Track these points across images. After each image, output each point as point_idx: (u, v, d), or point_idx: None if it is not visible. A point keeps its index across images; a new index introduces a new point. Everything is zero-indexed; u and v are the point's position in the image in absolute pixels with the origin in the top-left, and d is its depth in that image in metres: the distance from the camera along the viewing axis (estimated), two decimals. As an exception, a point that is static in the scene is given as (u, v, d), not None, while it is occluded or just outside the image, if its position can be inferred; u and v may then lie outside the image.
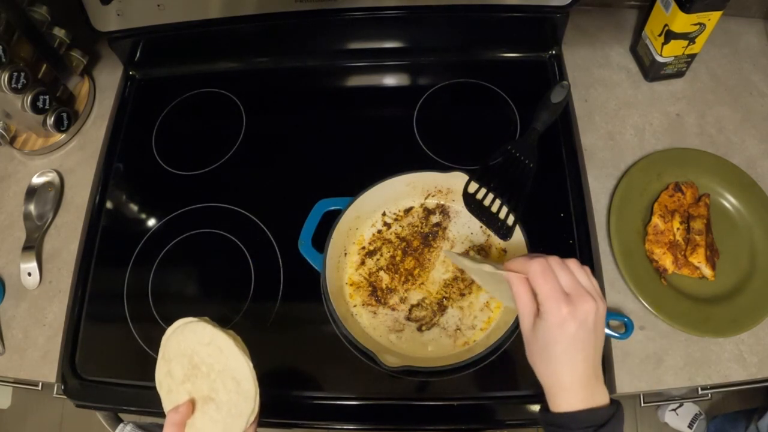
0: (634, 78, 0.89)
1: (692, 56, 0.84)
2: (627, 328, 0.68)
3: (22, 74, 0.77)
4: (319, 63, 0.94)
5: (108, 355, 0.75)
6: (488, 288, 0.67)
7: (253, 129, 0.89)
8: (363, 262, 0.75)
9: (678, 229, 0.74)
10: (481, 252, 0.75)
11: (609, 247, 0.75)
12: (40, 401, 1.59)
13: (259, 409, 0.53)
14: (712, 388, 0.70)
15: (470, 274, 0.69)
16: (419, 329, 0.71)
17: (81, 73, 0.93)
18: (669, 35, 0.79)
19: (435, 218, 0.77)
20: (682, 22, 0.77)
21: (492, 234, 0.73)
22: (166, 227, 0.82)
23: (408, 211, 0.78)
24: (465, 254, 0.70)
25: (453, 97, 0.89)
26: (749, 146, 0.82)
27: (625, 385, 0.68)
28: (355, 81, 0.96)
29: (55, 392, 0.76)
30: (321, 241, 0.72)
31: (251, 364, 0.52)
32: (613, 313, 0.70)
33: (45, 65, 0.86)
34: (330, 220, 0.73)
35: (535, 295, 0.50)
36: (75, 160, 0.89)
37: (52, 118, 0.85)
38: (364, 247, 0.76)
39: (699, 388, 0.71)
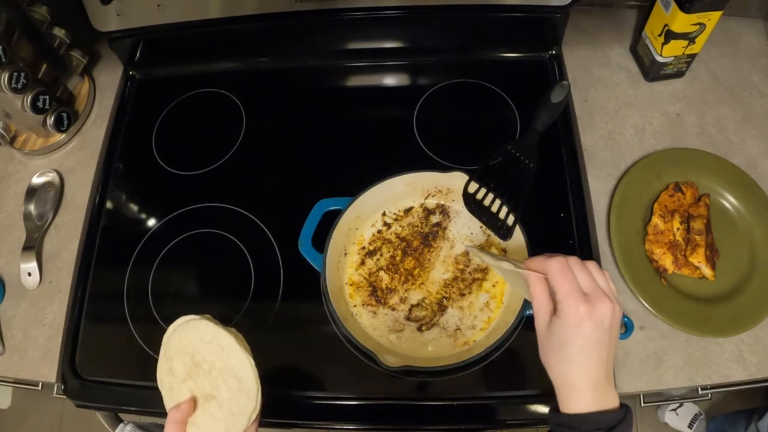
0: (634, 78, 0.89)
1: (692, 56, 0.84)
2: (627, 328, 0.68)
3: (22, 74, 0.77)
4: (319, 63, 0.94)
5: (108, 355, 0.75)
6: (508, 280, 0.68)
7: (253, 129, 0.89)
8: (363, 262, 0.75)
9: (678, 229, 0.74)
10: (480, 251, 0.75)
11: (609, 247, 0.75)
12: (40, 401, 1.60)
13: (260, 407, 0.53)
14: (712, 388, 0.70)
15: (496, 270, 0.70)
16: (419, 329, 0.71)
17: (81, 73, 0.93)
18: (669, 35, 0.79)
19: (435, 218, 0.77)
20: (682, 22, 0.77)
21: (492, 234, 0.73)
22: (166, 227, 0.82)
23: (408, 211, 0.78)
24: (485, 249, 0.72)
25: (453, 97, 0.89)
26: (749, 146, 0.82)
27: (625, 385, 0.68)
28: (355, 81, 0.96)
29: (55, 392, 0.76)
30: (321, 241, 0.72)
31: (253, 362, 0.52)
32: (613, 313, 0.70)
33: (45, 65, 0.86)
34: (330, 220, 0.73)
35: (552, 295, 0.51)
36: (75, 160, 0.89)
37: (52, 118, 0.85)
38: (364, 247, 0.76)
39: (699, 388, 0.71)
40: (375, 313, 0.72)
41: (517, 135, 0.84)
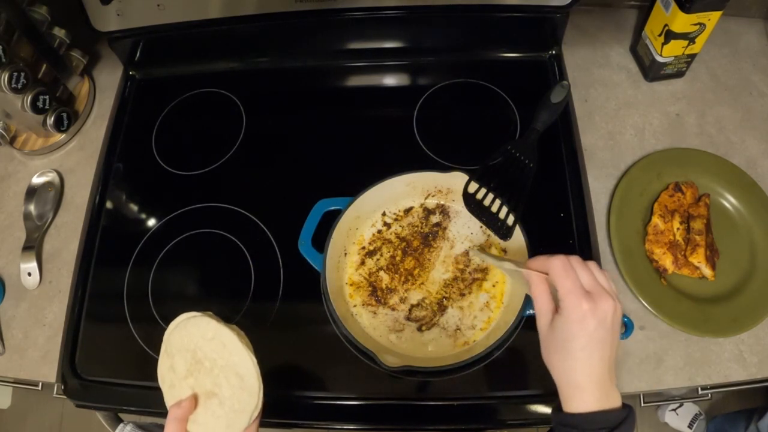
0: (634, 78, 0.89)
1: (692, 56, 0.84)
2: (627, 328, 0.68)
3: (22, 74, 0.77)
4: (319, 63, 0.94)
5: (108, 355, 0.75)
6: (511, 278, 0.69)
7: (253, 129, 0.89)
8: (363, 262, 0.75)
9: (678, 229, 0.74)
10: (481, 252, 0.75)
11: (609, 247, 0.75)
12: (40, 401, 1.59)
13: (262, 404, 0.53)
14: (712, 388, 0.70)
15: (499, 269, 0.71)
16: (419, 329, 0.71)
17: (81, 73, 0.93)
18: (669, 35, 0.79)
19: (435, 218, 0.77)
20: (682, 22, 0.77)
21: (492, 234, 0.73)
22: (166, 227, 0.82)
23: (408, 211, 0.78)
24: (485, 251, 0.73)
25: (453, 97, 0.89)
26: (749, 146, 0.82)
27: (625, 385, 0.68)
28: (355, 81, 0.96)
29: (55, 392, 0.76)
30: (321, 241, 0.72)
31: (255, 360, 0.52)
32: (613, 313, 0.70)
33: (45, 65, 0.85)
34: (330, 220, 0.73)
35: (553, 295, 0.51)
36: (75, 160, 0.89)
37: (52, 118, 0.85)
38: (364, 247, 0.76)
39: (699, 388, 0.71)
40: (375, 313, 0.72)
41: (517, 135, 0.84)
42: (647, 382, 0.68)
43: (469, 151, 0.79)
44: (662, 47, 0.81)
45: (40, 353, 0.76)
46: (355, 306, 0.72)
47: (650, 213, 0.76)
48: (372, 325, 0.71)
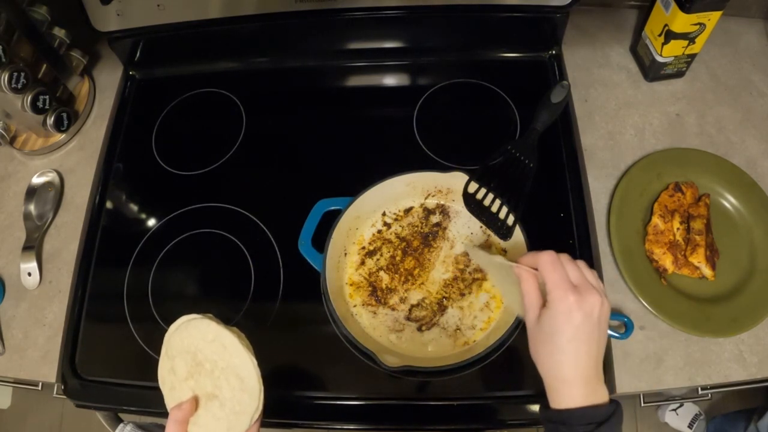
0: (634, 78, 0.89)
1: (692, 56, 0.84)
2: (627, 328, 0.68)
3: (22, 74, 0.77)
4: (319, 63, 0.94)
5: (108, 355, 0.75)
6: (499, 285, 0.68)
7: (253, 129, 0.89)
8: (363, 262, 0.75)
9: (678, 229, 0.74)
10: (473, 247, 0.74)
11: (609, 247, 0.75)
12: (40, 401, 1.59)
13: (263, 407, 0.53)
14: (712, 388, 0.70)
15: (483, 267, 0.71)
16: (419, 329, 0.71)
17: (81, 73, 0.93)
18: (669, 35, 0.79)
19: (435, 218, 0.77)
20: (682, 22, 0.77)
21: (492, 234, 0.73)
22: (166, 227, 0.82)
23: (408, 211, 0.78)
24: (462, 264, 0.73)
25: (453, 97, 0.89)
26: (749, 146, 0.82)
27: (625, 385, 0.68)
28: (355, 81, 0.96)
29: (55, 392, 0.76)
30: (321, 241, 0.72)
31: (255, 362, 0.52)
32: (613, 313, 0.70)
33: (45, 65, 0.85)
34: (330, 220, 0.73)
35: (542, 290, 0.51)
36: (75, 160, 0.89)
37: (52, 118, 0.85)
38: (364, 247, 0.76)
39: (699, 388, 0.71)
40: (375, 313, 0.72)
41: (517, 135, 0.84)
42: (647, 382, 0.68)
43: (469, 151, 0.80)
44: (662, 47, 0.82)
45: (40, 353, 0.76)
46: (355, 306, 0.72)
47: (650, 213, 0.76)
48: (372, 325, 0.71)
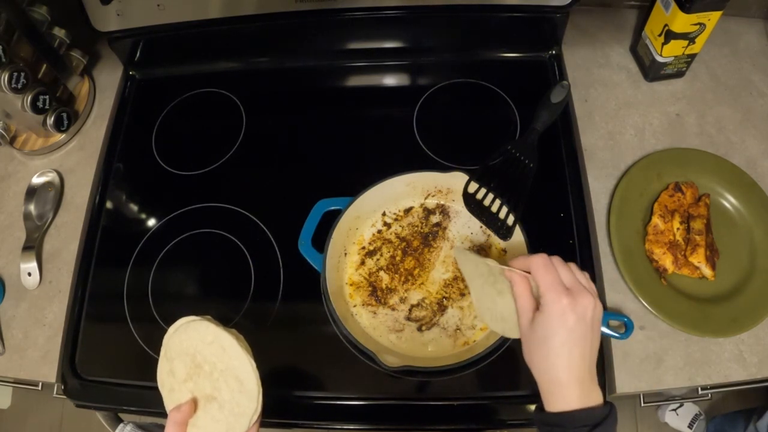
0: (634, 78, 0.89)
1: (692, 56, 0.84)
2: (627, 328, 0.68)
3: (22, 74, 0.77)
4: (319, 63, 0.94)
5: (108, 355, 0.75)
6: (480, 303, 0.59)
7: (253, 129, 0.89)
8: (363, 262, 0.75)
9: (678, 229, 0.74)
10: (481, 252, 0.75)
11: (609, 247, 0.75)
12: (40, 401, 1.59)
13: (261, 408, 0.53)
14: (712, 388, 0.70)
15: (468, 278, 0.63)
16: (419, 329, 0.71)
17: (81, 73, 0.93)
18: (669, 35, 0.79)
19: (435, 218, 0.77)
20: (682, 22, 0.77)
21: (492, 234, 0.73)
22: (166, 227, 0.82)
23: (408, 211, 0.78)
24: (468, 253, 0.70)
25: (453, 97, 0.89)
26: (749, 146, 0.82)
27: (625, 385, 0.68)
28: (355, 81, 0.96)
29: (55, 392, 0.76)
30: (321, 241, 0.72)
31: (254, 364, 0.52)
32: (613, 313, 0.70)
33: (45, 65, 0.85)
34: (330, 220, 0.73)
35: (534, 296, 0.51)
36: (75, 160, 0.89)
37: (52, 118, 0.85)
38: (364, 247, 0.76)
39: (699, 388, 0.71)
40: (375, 313, 0.72)
41: (517, 135, 0.84)
42: (647, 382, 0.68)
43: (469, 151, 0.79)
44: (662, 47, 0.81)
45: (40, 353, 0.76)
46: (355, 306, 0.72)
47: (650, 213, 0.76)
48: (372, 325, 0.71)
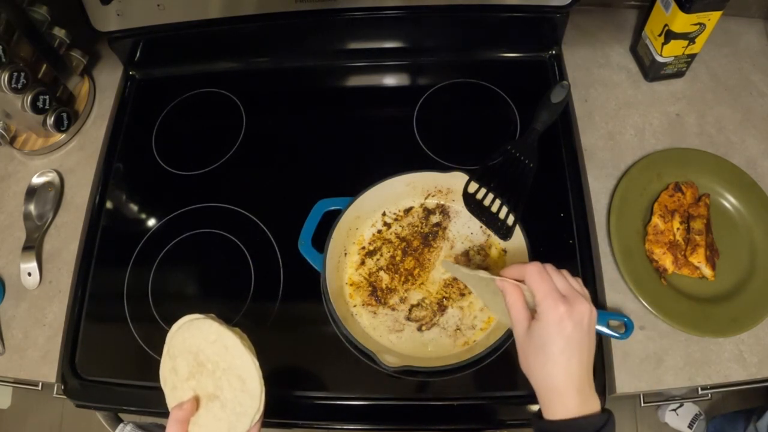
0: (634, 78, 0.89)
1: (692, 56, 0.84)
2: (627, 328, 0.68)
3: (22, 74, 0.77)
4: (319, 63, 0.94)
5: (108, 355, 0.75)
6: (483, 298, 0.68)
7: (253, 129, 0.89)
8: (363, 262, 0.75)
9: (678, 229, 0.74)
10: (481, 252, 0.75)
11: (609, 247, 0.75)
12: (40, 401, 1.59)
13: (264, 408, 0.53)
14: (712, 388, 0.70)
15: (463, 281, 0.70)
16: (419, 329, 0.71)
17: (81, 73, 0.93)
18: (669, 35, 0.79)
19: (435, 218, 0.77)
20: (682, 22, 0.77)
21: (492, 234, 0.73)
22: (166, 227, 0.82)
23: (408, 211, 0.78)
24: (462, 263, 0.72)
25: (453, 97, 0.89)
26: (749, 146, 0.82)
27: (625, 385, 0.68)
28: (355, 81, 0.96)
29: (55, 392, 0.76)
30: (321, 241, 0.72)
31: (257, 363, 0.52)
32: (613, 313, 0.70)
33: (45, 65, 0.85)
34: (330, 220, 0.73)
35: (528, 304, 0.52)
36: (75, 160, 0.89)
37: (52, 118, 0.85)
38: (364, 247, 0.76)
39: (699, 388, 0.71)
40: (375, 313, 0.72)
41: (517, 135, 0.84)
42: (647, 382, 0.68)
43: (469, 151, 0.79)
44: (662, 47, 0.81)
45: (40, 353, 0.76)
46: (355, 306, 0.72)
47: (650, 213, 0.76)
48: (372, 325, 0.71)
